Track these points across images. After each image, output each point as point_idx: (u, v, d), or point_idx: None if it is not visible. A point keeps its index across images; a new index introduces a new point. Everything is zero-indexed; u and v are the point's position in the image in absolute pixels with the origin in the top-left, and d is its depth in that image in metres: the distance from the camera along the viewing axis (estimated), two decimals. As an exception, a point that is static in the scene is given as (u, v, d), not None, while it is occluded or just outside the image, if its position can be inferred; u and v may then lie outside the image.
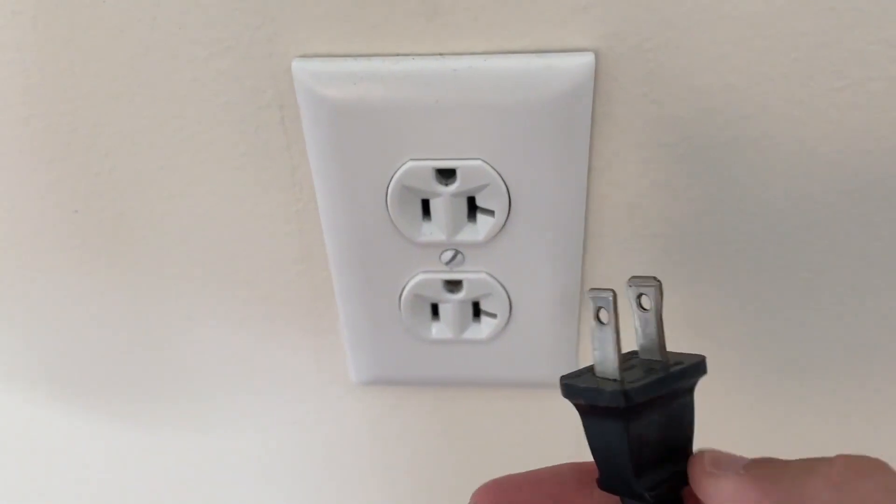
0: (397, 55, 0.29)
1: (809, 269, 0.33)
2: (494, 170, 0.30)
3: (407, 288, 0.34)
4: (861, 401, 0.38)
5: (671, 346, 0.25)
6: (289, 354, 0.39)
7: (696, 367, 0.22)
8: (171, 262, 0.36)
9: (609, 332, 0.22)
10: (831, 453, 0.20)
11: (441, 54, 0.28)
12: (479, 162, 0.30)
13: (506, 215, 0.31)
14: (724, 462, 0.21)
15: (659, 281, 0.23)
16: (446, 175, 0.31)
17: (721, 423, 0.39)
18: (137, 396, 0.43)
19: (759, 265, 0.33)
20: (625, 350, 0.23)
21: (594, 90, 0.29)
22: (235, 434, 0.44)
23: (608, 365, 0.22)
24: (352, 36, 0.29)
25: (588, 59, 0.28)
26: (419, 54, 0.29)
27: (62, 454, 0.47)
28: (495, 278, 0.33)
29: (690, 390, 0.23)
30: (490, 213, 0.31)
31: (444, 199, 0.31)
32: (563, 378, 0.23)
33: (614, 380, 0.22)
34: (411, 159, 0.30)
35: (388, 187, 0.31)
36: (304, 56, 0.29)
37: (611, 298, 0.22)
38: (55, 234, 0.36)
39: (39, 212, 0.35)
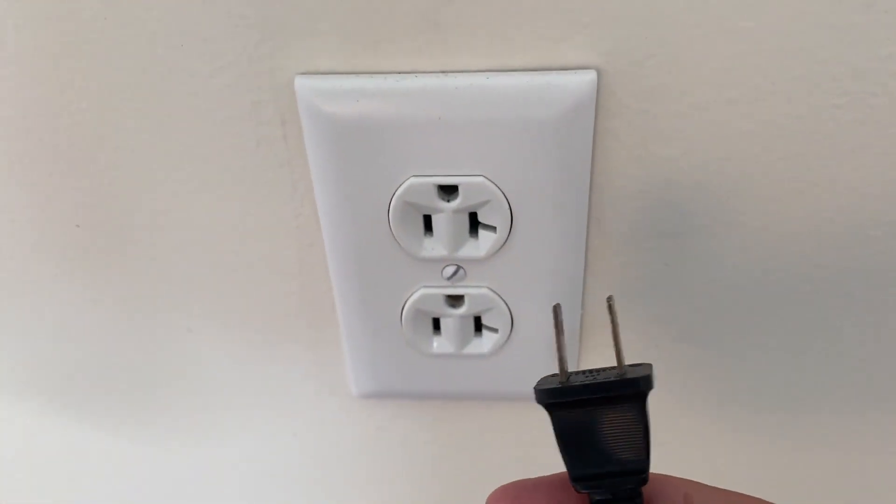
0: (400, 72, 0.29)
1: (809, 283, 0.33)
2: (496, 186, 0.30)
3: (408, 302, 0.34)
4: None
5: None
6: (288, 367, 0.39)
7: (633, 378, 0.23)
8: (171, 276, 0.36)
9: (560, 339, 0.24)
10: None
11: (444, 72, 0.28)
12: (480, 178, 0.30)
13: (507, 231, 0.31)
14: None
15: (610, 298, 0.24)
16: (448, 191, 0.31)
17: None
18: (136, 408, 0.42)
19: (759, 278, 0.34)
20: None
21: (596, 106, 0.29)
22: (234, 445, 0.44)
23: (560, 368, 0.24)
24: (354, 53, 0.29)
25: (590, 76, 0.28)
26: (422, 72, 0.29)
27: (59, 464, 0.47)
28: (497, 293, 0.33)
29: (635, 400, 0.23)
30: (492, 228, 0.31)
31: (446, 214, 0.31)
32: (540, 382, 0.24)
33: (557, 381, 0.23)
34: (413, 175, 0.30)
35: (389, 203, 0.31)
36: (306, 73, 0.29)
37: (558, 310, 0.24)
38: (56, 248, 0.36)
39: (40, 226, 0.35)
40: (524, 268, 0.32)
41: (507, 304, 0.34)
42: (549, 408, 0.23)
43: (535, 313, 0.34)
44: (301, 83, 0.29)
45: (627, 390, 0.23)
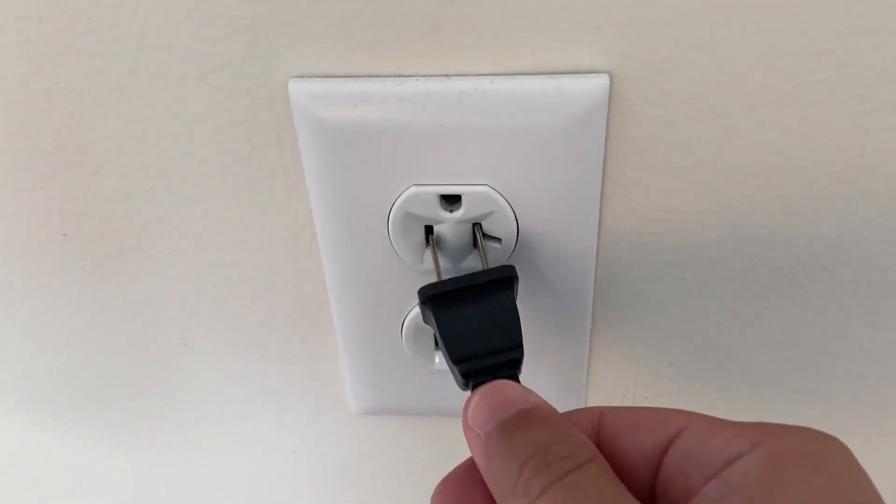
0: (399, 76, 0.27)
1: (832, 299, 0.32)
2: (501, 196, 0.29)
3: (409, 317, 0.33)
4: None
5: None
6: (285, 381, 0.38)
7: (502, 266, 0.27)
8: (162, 287, 0.35)
9: (436, 258, 0.29)
10: None
11: (446, 75, 0.27)
12: (485, 187, 0.28)
13: (513, 243, 0.30)
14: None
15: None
16: (451, 201, 0.29)
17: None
18: (128, 423, 0.41)
19: (775, 292, 0.32)
20: None
21: (608, 112, 0.27)
22: (229, 462, 0.42)
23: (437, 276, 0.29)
24: (352, 55, 0.27)
25: (602, 80, 0.26)
26: (422, 75, 0.27)
27: (48, 479, 0.46)
28: (501, 307, 0.32)
29: (506, 286, 0.27)
30: (497, 240, 0.30)
31: (449, 225, 0.29)
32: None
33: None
34: (414, 184, 0.29)
35: (389, 213, 0.29)
36: (301, 76, 0.28)
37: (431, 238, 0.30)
38: (43, 257, 0.34)
39: (26, 234, 0.34)
40: (531, 283, 0.31)
41: (512, 319, 0.32)
42: (432, 301, 0.26)
43: (541, 330, 0.32)
44: (295, 87, 0.27)
45: (497, 275, 0.26)
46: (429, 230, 0.30)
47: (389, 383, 0.36)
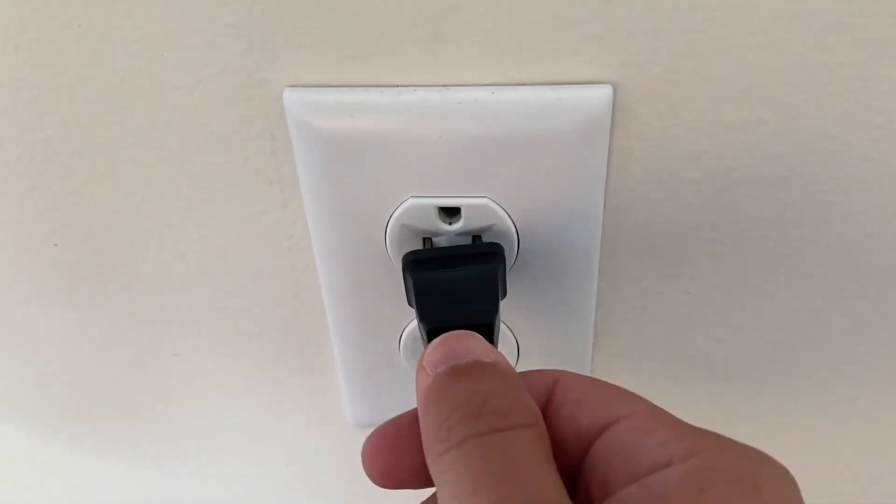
0: (397, 86, 0.26)
1: (842, 314, 0.31)
2: (502, 208, 0.28)
3: (407, 330, 0.32)
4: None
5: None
6: (280, 393, 0.37)
7: (483, 245, 0.27)
8: (155, 298, 0.34)
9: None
10: None
11: (445, 86, 0.26)
12: (485, 200, 0.28)
13: (514, 257, 0.29)
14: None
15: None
16: (450, 213, 0.29)
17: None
18: (121, 435, 0.41)
19: (788, 310, 0.31)
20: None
21: (611, 124, 0.26)
22: (224, 474, 0.42)
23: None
24: (348, 64, 0.26)
25: (605, 91, 0.25)
26: (420, 85, 0.26)
27: (37, 490, 0.45)
28: (504, 324, 0.31)
29: (485, 262, 0.26)
30: (496, 254, 0.29)
31: (447, 238, 0.29)
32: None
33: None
34: (412, 196, 0.28)
35: (386, 225, 0.29)
36: (296, 85, 0.27)
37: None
38: (34, 268, 0.34)
39: (16, 244, 0.33)
40: (531, 297, 0.30)
41: (513, 334, 0.31)
42: (412, 266, 0.26)
43: (541, 346, 0.31)
44: (290, 96, 0.27)
45: (483, 249, 0.27)
46: (427, 241, 0.29)
47: (387, 396, 0.35)
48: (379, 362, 0.34)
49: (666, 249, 0.30)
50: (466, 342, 0.21)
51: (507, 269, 0.29)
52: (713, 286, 0.31)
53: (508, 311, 0.31)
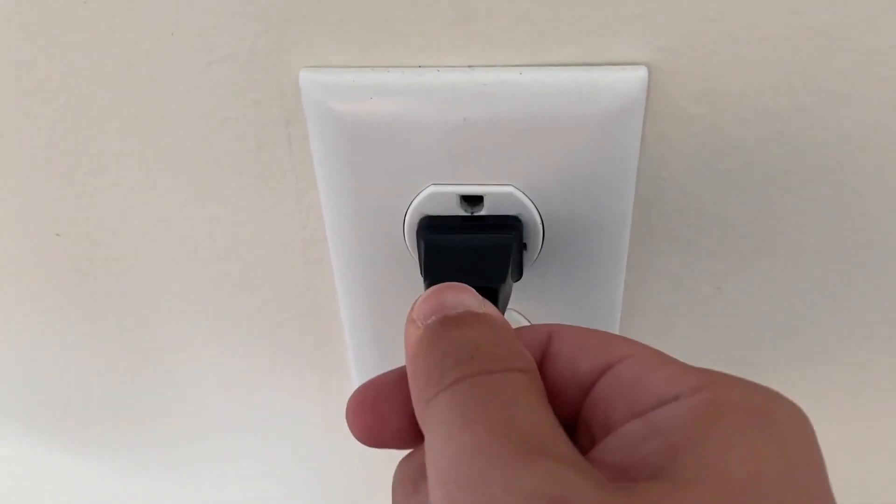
0: (419, 67, 0.25)
1: (880, 312, 0.30)
2: (527, 197, 0.27)
3: (425, 326, 0.31)
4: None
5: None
6: (293, 391, 0.36)
7: (501, 217, 0.27)
8: (162, 291, 0.33)
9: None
10: None
11: (470, 66, 0.25)
12: (509, 188, 0.26)
13: (538, 249, 0.28)
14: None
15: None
16: (472, 202, 0.27)
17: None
18: (128, 436, 0.40)
19: (822, 306, 0.30)
20: None
21: (645, 108, 0.25)
22: (233, 475, 0.41)
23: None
24: (368, 44, 0.25)
25: (640, 73, 0.24)
26: (444, 66, 0.25)
27: (40, 489, 0.44)
28: (525, 317, 0.30)
29: (500, 232, 0.26)
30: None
31: (469, 229, 0.27)
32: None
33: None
34: (433, 184, 0.27)
35: (405, 214, 0.27)
36: (313, 66, 0.26)
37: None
38: (36, 259, 0.33)
39: (18, 234, 0.32)
40: (556, 292, 0.29)
41: (535, 330, 0.30)
42: (426, 230, 0.26)
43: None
44: (307, 77, 0.26)
45: (499, 221, 0.26)
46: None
47: (403, 395, 0.34)
48: (395, 360, 0.32)
49: (697, 243, 0.29)
50: (458, 294, 0.20)
51: (532, 261, 0.28)
52: (746, 282, 0.29)
53: (531, 304, 0.29)
